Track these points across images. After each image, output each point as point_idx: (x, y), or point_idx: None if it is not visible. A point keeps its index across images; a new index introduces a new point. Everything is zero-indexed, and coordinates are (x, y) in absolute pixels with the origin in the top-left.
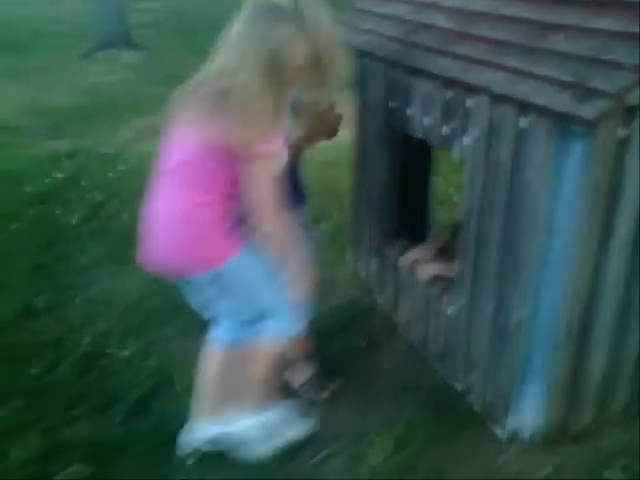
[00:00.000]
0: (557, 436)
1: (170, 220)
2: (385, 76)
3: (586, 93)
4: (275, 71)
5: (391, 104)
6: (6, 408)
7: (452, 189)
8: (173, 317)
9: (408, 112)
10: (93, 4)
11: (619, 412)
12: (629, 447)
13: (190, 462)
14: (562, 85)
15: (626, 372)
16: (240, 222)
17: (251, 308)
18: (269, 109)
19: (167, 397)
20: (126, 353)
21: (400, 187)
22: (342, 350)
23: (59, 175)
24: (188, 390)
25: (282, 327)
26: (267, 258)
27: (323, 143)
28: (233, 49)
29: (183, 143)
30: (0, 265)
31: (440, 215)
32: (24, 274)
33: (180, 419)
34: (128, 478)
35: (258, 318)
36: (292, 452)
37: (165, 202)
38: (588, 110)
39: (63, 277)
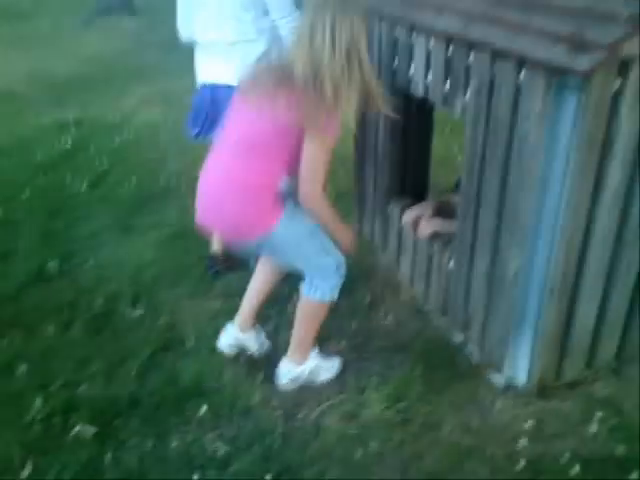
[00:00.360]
0: (551, 383)
1: (230, 187)
2: (388, 36)
3: (581, 45)
4: (353, 58)
5: (394, 64)
6: (26, 365)
7: (455, 150)
8: (182, 279)
9: (410, 71)
10: None
11: (610, 359)
12: (616, 396)
13: (201, 413)
14: (558, 38)
15: (616, 321)
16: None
17: (299, 267)
18: (346, 92)
19: (178, 353)
20: (137, 313)
21: (401, 147)
22: (346, 307)
23: (67, 143)
24: (198, 346)
25: (330, 286)
26: (312, 223)
27: None
28: (310, 37)
29: (253, 118)
30: (12, 232)
31: (442, 176)
32: (36, 240)
33: (193, 372)
34: (142, 428)
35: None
36: (294, 405)
37: (227, 170)
38: (582, 62)
39: (74, 242)
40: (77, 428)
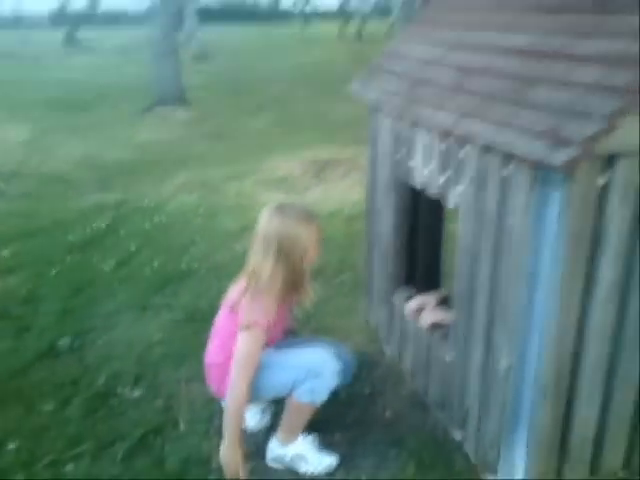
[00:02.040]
0: None
1: (210, 362)
2: (392, 129)
3: (558, 141)
4: (282, 256)
5: (397, 156)
6: (17, 441)
7: None
8: (186, 361)
9: (411, 163)
10: (153, 67)
11: (617, 468)
12: None
13: None
14: (538, 134)
15: (621, 425)
16: None
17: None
18: (270, 287)
19: (170, 436)
20: (136, 393)
21: (408, 236)
22: (345, 397)
23: (101, 225)
24: (191, 430)
25: (311, 389)
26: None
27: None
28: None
29: (222, 309)
30: (33, 308)
31: None
32: (53, 316)
33: (180, 457)
34: None
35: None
36: None
37: (210, 348)
38: (558, 157)
39: (89, 320)
40: None
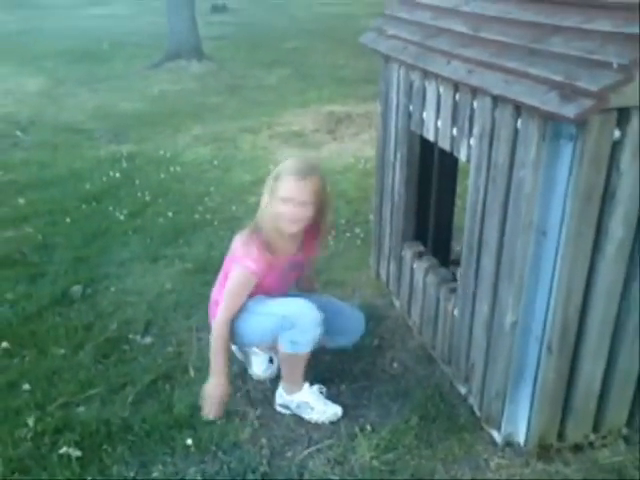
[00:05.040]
0: (555, 444)
1: (212, 301)
2: (405, 79)
3: (571, 92)
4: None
5: (410, 107)
6: (31, 383)
7: None
8: (196, 310)
9: (424, 114)
10: (168, 18)
11: (621, 425)
12: (624, 465)
13: (188, 445)
14: (551, 85)
15: (626, 382)
16: None
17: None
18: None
19: (178, 383)
20: (147, 340)
21: (419, 189)
22: (352, 349)
23: (116, 175)
24: (201, 377)
25: (291, 340)
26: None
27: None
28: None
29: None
30: (46, 255)
31: None
32: (67, 264)
33: (189, 403)
34: (128, 456)
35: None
36: (282, 444)
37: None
38: (571, 109)
39: (103, 268)
40: (63, 450)
